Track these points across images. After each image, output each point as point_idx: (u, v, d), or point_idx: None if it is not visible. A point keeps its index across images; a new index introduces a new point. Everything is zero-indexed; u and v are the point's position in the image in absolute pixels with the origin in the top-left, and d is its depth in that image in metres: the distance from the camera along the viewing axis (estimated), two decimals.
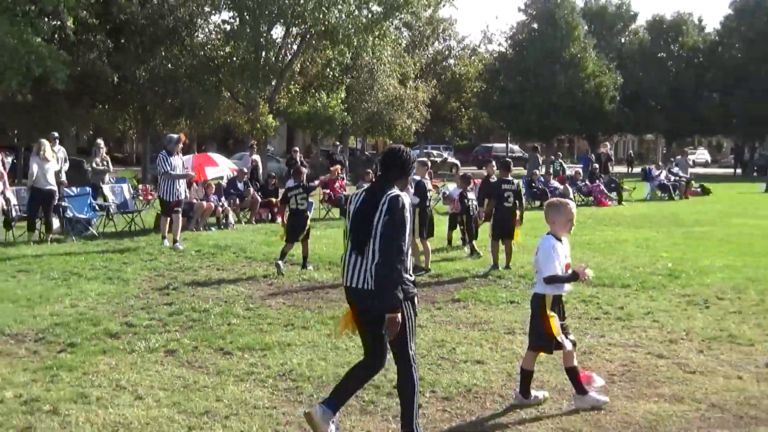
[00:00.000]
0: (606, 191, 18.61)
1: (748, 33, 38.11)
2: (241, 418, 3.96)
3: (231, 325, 6.16)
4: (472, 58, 45.17)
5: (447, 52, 45.24)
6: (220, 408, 4.12)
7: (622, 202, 18.73)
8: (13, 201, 12.29)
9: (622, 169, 37.29)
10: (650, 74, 39.86)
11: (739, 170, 40.49)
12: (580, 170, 20.69)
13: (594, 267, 6.02)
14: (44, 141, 12.23)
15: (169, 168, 10.85)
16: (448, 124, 45.42)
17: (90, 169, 16.74)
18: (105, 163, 15.78)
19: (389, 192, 3.40)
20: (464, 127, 47.21)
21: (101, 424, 3.89)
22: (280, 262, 8.43)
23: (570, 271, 4.02)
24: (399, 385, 3.54)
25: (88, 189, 14.33)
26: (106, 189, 14.65)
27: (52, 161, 12.16)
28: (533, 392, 4.13)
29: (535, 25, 37.72)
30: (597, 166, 20.25)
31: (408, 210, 3.38)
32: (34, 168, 11.75)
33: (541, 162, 25.12)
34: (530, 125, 37.22)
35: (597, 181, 19.25)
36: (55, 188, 12.06)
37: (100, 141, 16.94)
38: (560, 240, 4.05)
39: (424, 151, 37.97)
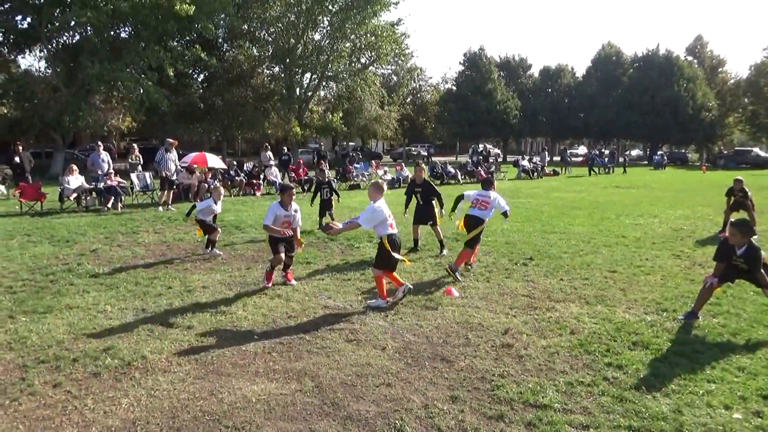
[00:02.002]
0: (483, 173, 27.33)
1: (600, 76, 56.19)
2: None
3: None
4: (433, 92, 61.79)
5: (419, 88, 61.92)
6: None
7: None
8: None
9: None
10: (540, 102, 56.71)
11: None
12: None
13: (421, 229, 9.94)
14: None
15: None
16: (419, 132, 62.39)
17: None
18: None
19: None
20: (429, 134, 63.49)
21: None
22: None
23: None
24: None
25: None
26: None
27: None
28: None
29: (468, 72, 53.79)
30: (481, 157, 31.85)
31: None
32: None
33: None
34: (464, 133, 53.28)
35: (479, 167, 28.32)
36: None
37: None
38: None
39: (406, 147, 55.35)
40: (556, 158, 48.26)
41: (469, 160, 31.81)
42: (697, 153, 63.18)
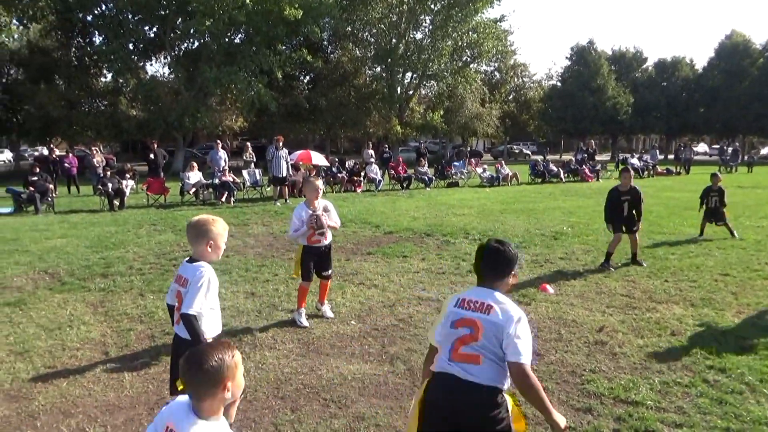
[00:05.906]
0: (588, 172, 26.54)
1: (725, 67, 51.30)
2: None
3: None
4: (537, 88, 60.08)
5: (523, 84, 60.65)
6: None
7: (599, 179, 25.80)
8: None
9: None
10: (654, 96, 53.08)
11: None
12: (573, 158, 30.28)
13: (520, 227, 14.68)
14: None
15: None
16: (522, 130, 61.17)
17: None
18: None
19: None
20: (533, 131, 62.13)
21: None
22: None
23: None
24: None
25: None
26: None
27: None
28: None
29: (575, 67, 51.77)
30: (586, 155, 29.38)
31: None
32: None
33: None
34: (570, 130, 51.17)
35: (584, 165, 27.11)
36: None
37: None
38: None
39: (507, 146, 56.29)
40: (671, 156, 45.32)
41: (573, 158, 30.56)
42: None
